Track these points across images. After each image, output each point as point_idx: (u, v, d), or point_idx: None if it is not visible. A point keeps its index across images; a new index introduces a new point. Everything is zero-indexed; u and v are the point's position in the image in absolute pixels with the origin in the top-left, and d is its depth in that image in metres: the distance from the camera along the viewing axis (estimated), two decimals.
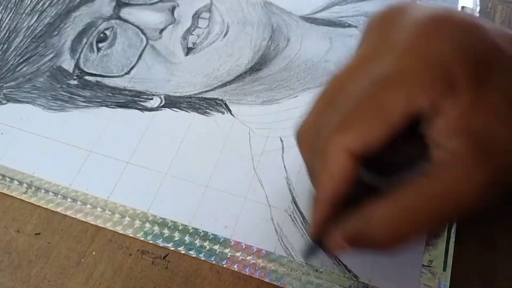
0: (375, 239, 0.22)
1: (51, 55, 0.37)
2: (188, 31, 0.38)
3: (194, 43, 0.37)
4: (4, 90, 0.35)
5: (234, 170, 0.31)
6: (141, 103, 0.35)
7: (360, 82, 0.22)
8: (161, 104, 0.34)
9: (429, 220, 0.21)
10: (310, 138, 0.25)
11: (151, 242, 0.29)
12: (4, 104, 0.35)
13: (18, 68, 0.36)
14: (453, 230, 0.29)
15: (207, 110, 0.34)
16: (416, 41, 0.21)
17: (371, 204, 0.22)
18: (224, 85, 0.35)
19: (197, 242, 0.29)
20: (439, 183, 0.21)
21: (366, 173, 0.23)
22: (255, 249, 0.29)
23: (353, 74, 0.23)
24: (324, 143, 0.22)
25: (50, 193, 0.31)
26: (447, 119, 0.20)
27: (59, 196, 0.31)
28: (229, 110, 0.34)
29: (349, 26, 0.38)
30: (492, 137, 0.20)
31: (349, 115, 0.22)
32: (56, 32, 0.38)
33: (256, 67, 0.36)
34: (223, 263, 0.28)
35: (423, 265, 0.28)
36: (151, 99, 0.35)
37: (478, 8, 0.38)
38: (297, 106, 0.34)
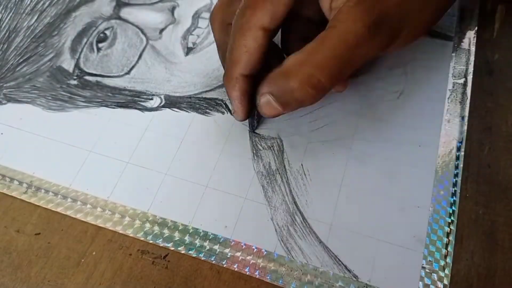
0: (293, 87, 0.26)
1: (51, 55, 0.37)
2: (188, 31, 0.38)
3: (194, 43, 0.37)
4: (4, 90, 0.35)
5: (234, 170, 0.31)
6: (141, 103, 0.35)
7: None
8: (161, 104, 0.34)
9: (331, 60, 0.25)
10: (221, 19, 0.30)
11: (151, 242, 0.29)
12: (4, 104, 0.35)
13: (18, 68, 0.36)
14: (453, 230, 0.29)
15: (207, 110, 0.34)
16: None
17: (285, 59, 0.26)
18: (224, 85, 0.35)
19: (197, 242, 0.29)
20: (334, 29, 0.25)
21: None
22: (255, 249, 0.29)
23: None
24: (239, 24, 0.27)
25: (50, 193, 0.31)
26: None
27: (59, 196, 0.31)
28: (229, 110, 0.34)
29: None
30: None
31: None
32: (56, 32, 0.38)
33: None
34: (223, 263, 0.28)
35: (423, 265, 0.28)
36: (151, 99, 0.35)
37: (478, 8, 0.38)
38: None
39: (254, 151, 0.32)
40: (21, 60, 0.36)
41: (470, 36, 0.36)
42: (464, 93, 0.34)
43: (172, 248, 0.29)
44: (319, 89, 0.26)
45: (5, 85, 0.35)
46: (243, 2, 0.27)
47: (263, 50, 0.27)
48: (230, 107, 0.30)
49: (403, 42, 0.28)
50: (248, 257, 0.28)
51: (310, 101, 0.27)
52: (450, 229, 0.29)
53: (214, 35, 0.31)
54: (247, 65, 0.27)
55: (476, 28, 0.37)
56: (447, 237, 0.29)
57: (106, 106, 0.34)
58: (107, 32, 0.38)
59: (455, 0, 0.31)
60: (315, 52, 0.25)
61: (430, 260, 0.28)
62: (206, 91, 0.35)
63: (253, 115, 0.31)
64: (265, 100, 0.27)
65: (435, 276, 0.27)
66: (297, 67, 0.26)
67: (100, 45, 0.37)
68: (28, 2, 0.40)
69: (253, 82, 0.28)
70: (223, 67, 0.32)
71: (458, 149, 0.32)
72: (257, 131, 0.33)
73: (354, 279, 0.27)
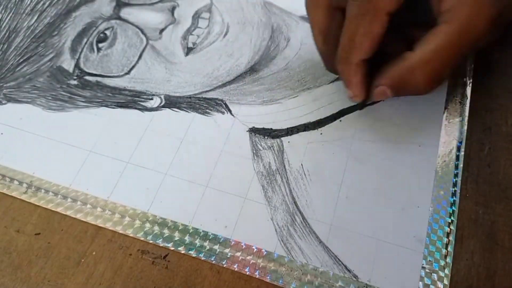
0: (416, 81, 0.27)
1: (51, 55, 0.37)
2: (188, 31, 0.38)
3: (194, 43, 0.37)
4: (4, 90, 0.35)
5: (234, 170, 0.31)
6: (141, 103, 0.35)
7: None
8: (161, 104, 0.34)
9: (454, 55, 0.26)
10: (327, 3, 0.29)
11: (151, 242, 0.29)
12: (4, 104, 0.35)
13: (18, 68, 0.36)
14: (453, 230, 0.29)
15: (207, 110, 0.34)
16: None
17: (409, 54, 0.27)
18: (224, 85, 0.35)
19: (197, 242, 0.29)
20: (456, 23, 0.25)
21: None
22: (255, 249, 0.29)
23: None
24: (364, 10, 0.26)
25: (50, 193, 0.31)
26: None
27: (59, 196, 0.31)
28: (229, 110, 0.34)
29: None
30: None
31: None
32: (56, 32, 0.38)
33: (256, 67, 0.36)
34: (223, 263, 0.28)
35: (423, 265, 0.28)
36: (151, 99, 0.35)
37: None
38: (297, 106, 0.34)
39: (254, 151, 0.32)
40: (21, 60, 0.36)
41: None
42: (464, 93, 0.34)
43: (172, 248, 0.29)
44: (440, 82, 0.27)
45: (5, 85, 0.35)
46: None
47: (383, 34, 0.27)
48: (348, 93, 0.30)
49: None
50: (248, 257, 0.28)
51: (428, 92, 0.28)
52: (450, 229, 0.29)
53: (315, 20, 0.30)
54: (370, 51, 0.27)
55: None
56: (447, 237, 0.29)
57: (106, 106, 0.34)
58: (107, 32, 0.38)
59: None
60: (441, 49, 0.26)
61: (430, 260, 0.28)
62: (206, 91, 0.35)
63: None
64: (382, 90, 0.28)
65: (435, 276, 0.27)
66: (424, 64, 0.26)
67: (100, 45, 0.37)
68: (28, 2, 0.40)
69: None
70: (322, 54, 0.32)
71: (458, 149, 0.32)
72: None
73: (354, 279, 0.27)
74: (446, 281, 0.27)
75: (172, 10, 0.39)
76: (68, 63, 0.36)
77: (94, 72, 0.36)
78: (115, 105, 0.34)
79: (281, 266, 0.28)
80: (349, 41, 0.28)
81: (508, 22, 0.27)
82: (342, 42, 0.28)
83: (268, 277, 0.28)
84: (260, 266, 0.28)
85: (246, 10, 0.39)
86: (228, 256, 0.28)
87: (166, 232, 0.29)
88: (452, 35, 0.26)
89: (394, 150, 0.32)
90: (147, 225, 0.30)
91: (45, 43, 0.37)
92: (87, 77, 0.36)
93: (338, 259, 0.28)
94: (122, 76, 0.36)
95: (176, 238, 0.29)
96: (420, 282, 0.27)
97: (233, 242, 0.29)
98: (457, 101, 0.34)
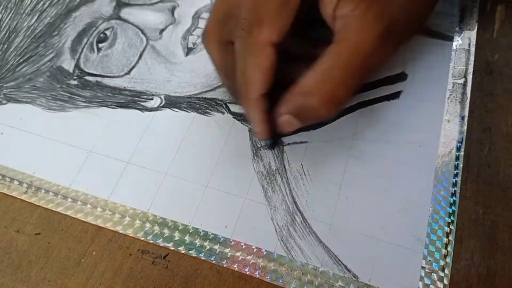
0: (313, 105, 0.25)
1: (51, 55, 0.37)
2: (188, 31, 0.38)
3: (194, 43, 0.37)
4: (4, 90, 0.35)
5: (234, 170, 0.31)
6: (141, 103, 0.35)
7: None
8: (161, 104, 0.34)
9: (348, 75, 0.25)
10: (218, 39, 0.29)
11: (151, 242, 0.29)
12: (4, 104, 0.35)
13: (18, 68, 0.36)
14: (453, 230, 0.29)
15: (207, 110, 0.34)
16: None
17: (302, 78, 0.26)
18: (224, 85, 0.35)
19: (197, 242, 0.29)
20: (345, 42, 0.25)
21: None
22: (255, 249, 0.29)
23: None
24: (246, 45, 0.26)
25: (50, 193, 0.31)
26: None
27: (59, 196, 0.31)
28: (229, 110, 0.34)
29: None
30: None
31: (260, 11, 0.26)
32: (56, 32, 0.38)
33: None
34: (223, 263, 0.28)
35: (423, 265, 0.28)
36: (151, 99, 0.35)
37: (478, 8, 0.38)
38: None
39: (254, 151, 0.32)
40: (21, 60, 0.36)
41: (470, 36, 0.36)
42: (464, 93, 0.34)
43: (172, 248, 0.29)
44: (340, 104, 0.26)
45: (5, 85, 0.35)
46: (244, 20, 0.26)
47: (275, 66, 0.26)
48: (252, 129, 0.29)
49: (406, 42, 0.28)
50: (248, 257, 0.28)
51: (330, 116, 0.26)
52: (450, 229, 0.29)
53: (211, 56, 0.30)
54: (264, 84, 0.27)
55: (476, 28, 0.37)
56: (447, 237, 0.29)
57: (106, 106, 0.34)
58: (107, 32, 0.38)
59: None
60: (331, 69, 0.25)
61: (430, 260, 0.28)
62: (206, 91, 0.35)
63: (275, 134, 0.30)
64: (285, 119, 0.27)
65: (435, 276, 0.27)
66: (317, 85, 0.25)
67: (100, 45, 0.37)
68: (28, 2, 0.40)
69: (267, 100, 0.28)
70: (228, 89, 0.31)
71: (458, 149, 0.32)
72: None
73: (354, 279, 0.27)
74: (446, 281, 0.27)
75: (172, 10, 0.39)
76: (68, 63, 0.36)
77: (94, 72, 0.36)
78: (115, 105, 0.34)
79: (281, 266, 0.28)
80: (241, 76, 0.27)
81: (399, 37, 0.27)
82: (237, 78, 0.28)
83: (268, 277, 0.28)
84: (260, 266, 0.28)
85: None
86: (228, 256, 0.28)
87: (166, 232, 0.29)
88: (341, 55, 0.25)
89: (394, 150, 0.32)
90: (147, 225, 0.30)
91: (45, 43, 0.37)
92: (87, 77, 0.36)
93: (338, 259, 0.28)
94: (122, 76, 0.36)
95: (176, 238, 0.29)
96: (420, 282, 0.27)
97: (233, 242, 0.29)
98: (457, 101, 0.34)
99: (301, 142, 0.32)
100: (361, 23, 0.25)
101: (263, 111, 0.27)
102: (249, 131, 0.33)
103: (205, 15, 0.39)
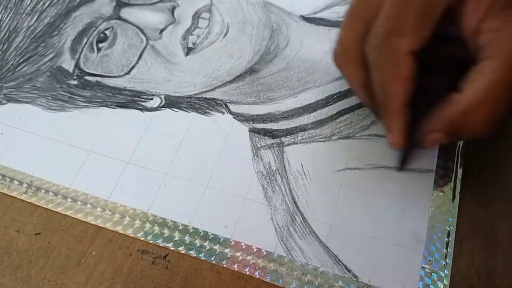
0: (473, 124, 0.25)
1: (51, 55, 0.37)
2: (188, 31, 0.38)
3: (194, 43, 0.37)
4: (4, 90, 0.35)
5: (234, 170, 0.31)
6: (141, 103, 0.35)
7: None
8: (161, 104, 0.34)
9: (506, 90, 0.24)
10: (358, 57, 0.27)
11: (151, 242, 0.29)
12: (4, 104, 0.35)
13: (18, 68, 0.36)
14: (453, 230, 0.29)
15: (207, 110, 0.34)
16: None
17: (459, 96, 0.25)
18: (224, 85, 0.35)
19: (197, 242, 0.29)
20: (500, 57, 0.24)
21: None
22: (255, 249, 0.29)
23: None
24: (385, 54, 0.25)
25: (50, 193, 0.31)
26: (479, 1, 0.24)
27: (59, 196, 0.31)
28: (229, 110, 0.34)
29: None
30: None
31: (400, 20, 0.25)
32: (56, 32, 0.38)
33: (256, 67, 0.36)
34: (223, 263, 0.28)
35: (423, 265, 0.28)
36: (151, 99, 0.35)
37: None
38: (297, 106, 0.34)
39: (254, 151, 0.32)
40: (21, 60, 0.36)
41: None
42: None
43: (172, 248, 0.29)
44: (497, 122, 0.25)
45: (5, 85, 0.35)
46: (379, 28, 0.25)
47: (415, 74, 0.25)
48: (388, 139, 0.28)
49: None
50: (248, 257, 0.28)
51: (485, 135, 0.25)
52: (450, 229, 0.29)
53: (350, 76, 0.29)
54: (405, 95, 0.26)
55: None
56: (447, 237, 0.29)
57: (106, 106, 0.34)
58: (107, 32, 0.38)
59: None
60: (491, 88, 0.24)
61: (430, 260, 0.28)
62: (206, 91, 0.35)
63: (407, 155, 0.30)
64: (434, 137, 0.26)
65: (435, 276, 0.27)
66: (478, 106, 0.24)
67: (100, 45, 0.37)
68: (28, 2, 0.40)
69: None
70: (370, 106, 0.30)
71: (458, 149, 0.32)
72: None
73: (354, 279, 0.27)
74: (446, 281, 0.27)
75: (172, 10, 0.39)
76: (68, 63, 0.36)
77: (94, 72, 0.36)
78: (115, 105, 0.34)
79: (281, 266, 0.28)
80: (380, 89, 0.27)
81: None
82: (376, 91, 0.27)
83: (268, 277, 0.28)
84: (260, 266, 0.28)
85: (246, 10, 0.39)
86: (228, 256, 0.28)
87: (166, 232, 0.29)
88: (499, 71, 0.24)
89: (394, 150, 0.32)
90: (147, 225, 0.30)
91: (45, 43, 0.37)
92: (87, 77, 0.36)
93: (338, 259, 0.28)
94: (122, 76, 0.36)
95: (176, 238, 0.29)
96: (420, 282, 0.27)
97: (233, 242, 0.29)
98: None
99: (301, 142, 0.32)
100: None
101: (405, 122, 0.27)
102: (249, 131, 0.33)
103: (205, 15, 0.39)
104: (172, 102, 0.34)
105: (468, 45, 0.25)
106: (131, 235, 0.29)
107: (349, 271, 0.28)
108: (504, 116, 0.25)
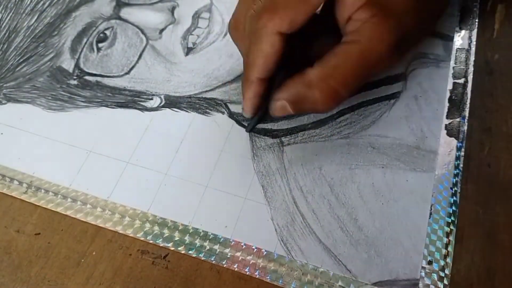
0: (314, 98, 0.26)
1: (51, 55, 0.37)
2: (188, 31, 0.38)
3: (194, 43, 0.37)
4: (4, 90, 0.35)
5: (234, 170, 0.31)
6: (141, 103, 0.35)
7: None
8: (161, 104, 0.34)
9: (352, 75, 0.26)
10: (242, 27, 0.29)
11: (151, 242, 0.29)
12: (4, 104, 0.35)
13: (18, 68, 0.36)
14: (453, 230, 0.29)
15: (207, 110, 0.34)
16: None
17: (309, 69, 0.26)
18: (224, 85, 0.35)
19: (197, 242, 0.29)
20: (357, 45, 0.26)
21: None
22: (255, 249, 0.29)
23: None
24: (254, 28, 0.26)
25: (50, 193, 0.31)
26: None
27: (59, 196, 0.31)
28: (229, 110, 0.34)
29: None
30: (391, 2, 0.26)
31: (279, 1, 0.26)
32: (56, 32, 0.38)
33: None
34: (223, 263, 0.28)
35: (423, 265, 0.28)
36: (151, 99, 0.35)
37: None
38: None
39: (254, 151, 0.32)
40: (21, 60, 0.36)
41: (470, 36, 0.36)
42: (464, 93, 0.34)
43: (172, 248, 0.29)
44: (338, 101, 0.27)
45: (5, 85, 0.35)
46: (260, 4, 0.27)
47: (279, 54, 0.27)
48: (242, 104, 0.30)
49: (414, 49, 0.29)
50: (248, 257, 0.28)
51: (326, 110, 0.28)
52: (450, 229, 0.29)
53: (240, 48, 0.30)
54: (263, 69, 0.27)
55: (476, 28, 0.37)
56: (447, 237, 0.29)
57: (106, 106, 0.34)
58: (107, 32, 0.38)
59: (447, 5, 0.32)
60: (338, 67, 0.26)
61: (430, 260, 0.28)
62: (206, 91, 0.35)
63: (255, 116, 0.31)
64: (281, 105, 0.28)
65: (435, 276, 0.27)
66: (321, 80, 0.26)
67: (100, 45, 0.37)
68: (28, 2, 0.40)
69: (268, 84, 0.28)
70: None
71: (458, 149, 0.32)
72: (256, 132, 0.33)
73: (354, 279, 0.27)
74: (446, 281, 0.27)
75: (172, 10, 0.39)
76: (68, 63, 0.36)
77: (94, 72, 0.36)
78: (115, 105, 0.34)
79: (281, 266, 0.28)
80: (245, 57, 0.28)
81: (409, 46, 0.28)
82: (243, 58, 0.29)
83: (268, 277, 0.28)
84: (260, 266, 0.28)
85: None
86: (228, 256, 0.28)
87: (166, 232, 0.29)
88: (352, 56, 0.26)
89: (394, 150, 0.32)
90: (147, 225, 0.30)
91: (45, 43, 0.37)
92: (87, 77, 0.36)
93: (338, 259, 0.28)
94: (122, 76, 0.36)
95: (176, 238, 0.29)
96: (420, 282, 0.27)
97: (233, 242, 0.29)
98: (457, 101, 0.34)
99: (301, 142, 0.32)
100: (376, 31, 0.25)
101: (256, 93, 0.28)
102: (249, 131, 0.33)
103: (205, 14, 0.39)
104: (172, 102, 0.34)
105: (341, 31, 0.28)
106: (131, 235, 0.29)
107: (349, 271, 0.28)
108: (345, 99, 0.27)
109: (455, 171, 0.31)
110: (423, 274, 0.28)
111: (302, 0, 0.26)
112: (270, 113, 0.29)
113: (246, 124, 0.33)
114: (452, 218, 0.29)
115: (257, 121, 0.31)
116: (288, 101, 0.27)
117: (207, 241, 0.29)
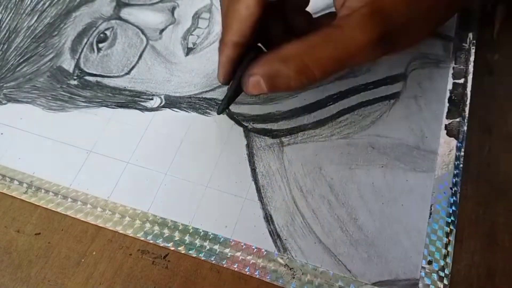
0: (287, 73, 0.26)
1: (51, 55, 0.37)
2: (188, 31, 0.38)
3: (194, 43, 0.37)
4: (4, 90, 0.35)
5: (234, 170, 0.31)
6: (141, 103, 0.35)
7: None
8: (161, 104, 0.34)
9: (329, 59, 0.26)
10: None
11: (151, 242, 0.29)
12: (4, 104, 0.35)
13: (18, 68, 0.36)
14: (453, 230, 0.29)
15: (207, 110, 0.34)
16: None
17: (285, 44, 0.26)
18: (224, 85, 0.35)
19: (197, 242, 0.29)
20: (340, 30, 0.25)
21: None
22: (255, 249, 0.29)
23: None
24: None
25: (50, 193, 0.31)
26: None
27: (59, 196, 0.31)
28: (229, 110, 0.34)
29: None
30: (383, 1, 0.25)
31: None
32: (56, 32, 0.38)
33: None
34: (223, 263, 0.28)
35: (423, 265, 0.28)
36: (151, 99, 0.35)
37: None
38: (297, 106, 0.34)
39: (254, 151, 0.32)
40: (21, 60, 0.36)
41: (470, 36, 0.36)
42: (464, 93, 0.34)
43: (172, 248, 0.29)
44: (311, 81, 0.26)
45: (5, 85, 0.35)
46: None
47: (254, 19, 0.26)
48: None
49: (401, 49, 0.28)
50: (248, 257, 0.28)
51: (298, 88, 0.27)
52: (450, 229, 0.29)
53: (220, 5, 0.30)
54: (237, 32, 0.27)
55: (476, 28, 0.37)
56: (447, 237, 0.29)
57: (106, 106, 0.34)
58: (107, 32, 0.38)
59: (456, 11, 0.32)
60: (316, 47, 0.26)
61: (430, 260, 0.28)
62: (206, 91, 0.35)
63: (226, 96, 0.31)
64: (255, 80, 0.27)
65: (435, 276, 0.27)
66: (297, 56, 0.26)
67: (100, 45, 0.37)
68: (28, 2, 0.40)
69: (243, 51, 0.28)
70: None
71: (458, 149, 0.32)
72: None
73: (354, 279, 0.27)
74: (446, 281, 0.27)
75: (172, 10, 0.39)
76: (68, 63, 0.36)
77: (94, 72, 0.36)
78: (115, 105, 0.34)
79: (281, 266, 0.28)
80: (222, 19, 0.28)
81: (395, 49, 0.27)
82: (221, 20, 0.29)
83: (268, 277, 0.28)
84: (260, 266, 0.28)
85: None
86: (228, 256, 0.28)
87: (166, 232, 0.29)
88: (330, 39, 0.26)
89: (394, 150, 0.32)
90: (147, 225, 0.30)
91: (45, 43, 0.37)
92: (87, 77, 0.36)
93: (338, 259, 0.28)
94: (122, 76, 0.36)
95: (176, 238, 0.29)
96: (420, 283, 0.27)
97: (233, 242, 0.29)
98: (457, 101, 0.34)
99: (301, 142, 0.32)
100: (362, 22, 0.25)
101: (228, 57, 0.28)
102: (249, 131, 0.33)
103: (205, 15, 0.39)
104: (172, 102, 0.34)
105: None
106: (131, 235, 0.29)
107: (349, 271, 0.28)
108: (318, 81, 0.27)
109: (455, 171, 0.31)
110: (423, 274, 0.28)
111: None
112: (243, 91, 0.28)
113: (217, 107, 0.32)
114: (452, 218, 0.29)
115: (228, 101, 0.30)
116: (262, 76, 0.27)
117: (207, 241, 0.29)
